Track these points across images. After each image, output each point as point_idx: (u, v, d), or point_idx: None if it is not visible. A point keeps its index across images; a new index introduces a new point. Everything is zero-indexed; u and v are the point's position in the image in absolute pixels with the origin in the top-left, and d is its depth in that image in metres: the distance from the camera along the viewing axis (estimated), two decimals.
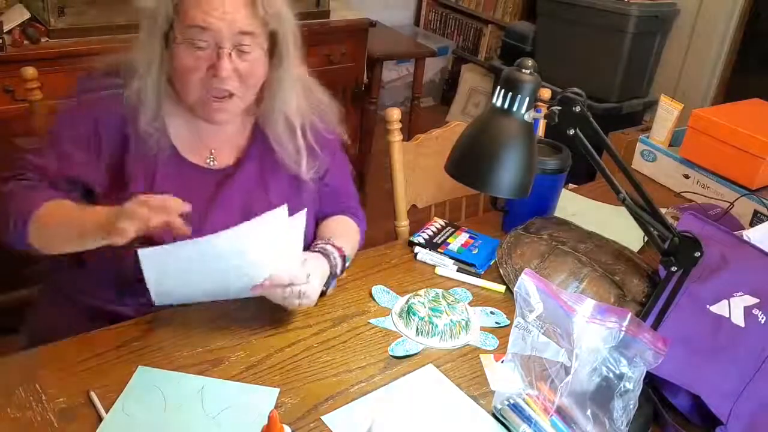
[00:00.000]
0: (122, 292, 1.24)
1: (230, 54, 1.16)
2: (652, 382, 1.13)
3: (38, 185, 1.20)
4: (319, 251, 1.27)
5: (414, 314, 1.26)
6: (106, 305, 1.25)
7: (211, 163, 1.29)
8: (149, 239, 1.08)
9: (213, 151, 1.29)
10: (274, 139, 1.30)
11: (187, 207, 1.06)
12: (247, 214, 1.19)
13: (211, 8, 1.13)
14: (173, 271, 1.12)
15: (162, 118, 1.22)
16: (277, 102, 1.27)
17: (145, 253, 1.07)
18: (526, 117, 1.03)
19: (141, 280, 1.12)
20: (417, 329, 1.25)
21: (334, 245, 1.30)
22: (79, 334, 1.16)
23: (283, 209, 1.11)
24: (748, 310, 1.17)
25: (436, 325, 1.24)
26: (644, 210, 1.09)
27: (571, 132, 1.04)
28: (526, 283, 1.03)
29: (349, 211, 1.47)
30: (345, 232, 1.40)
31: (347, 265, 1.34)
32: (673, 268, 1.09)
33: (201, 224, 1.20)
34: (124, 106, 1.20)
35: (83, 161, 1.21)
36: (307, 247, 1.30)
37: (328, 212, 1.44)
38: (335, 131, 1.40)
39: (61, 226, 1.15)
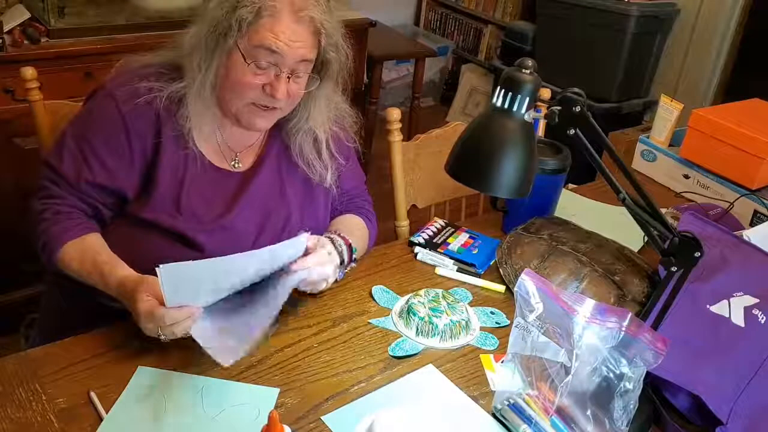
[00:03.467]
0: None
1: (288, 78, 1.19)
2: (652, 382, 1.13)
3: (62, 209, 1.21)
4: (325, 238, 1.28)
5: (414, 314, 1.26)
6: (115, 302, 1.26)
7: (236, 166, 1.31)
8: None
9: (238, 155, 1.31)
10: (295, 152, 1.33)
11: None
12: (267, 212, 1.28)
13: (281, 34, 1.16)
14: (188, 287, 1.09)
15: (193, 120, 1.24)
16: (308, 120, 1.31)
17: (166, 269, 1.04)
18: (526, 117, 1.03)
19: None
20: (417, 329, 1.25)
21: (340, 235, 1.31)
22: (84, 332, 1.16)
23: (305, 236, 1.17)
24: (748, 310, 1.17)
25: (436, 326, 1.24)
26: (644, 210, 1.09)
27: (571, 132, 1.04)
28: (526, 283, 1.03)
29: (362, 214, 1.48)
30: (353, 229, 1.40)
31: (354, 257, 1.34)
32: (673, 268, 1.09)
33: (225, 221, 1.24)
34: (160, 109, 1.21)
35: (116, 169, 1.22)
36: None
37: (340, 212, 1.45)
38: (352, 138, 1.43)
39: (84, 276, 1.18)
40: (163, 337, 1.06)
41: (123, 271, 1.13)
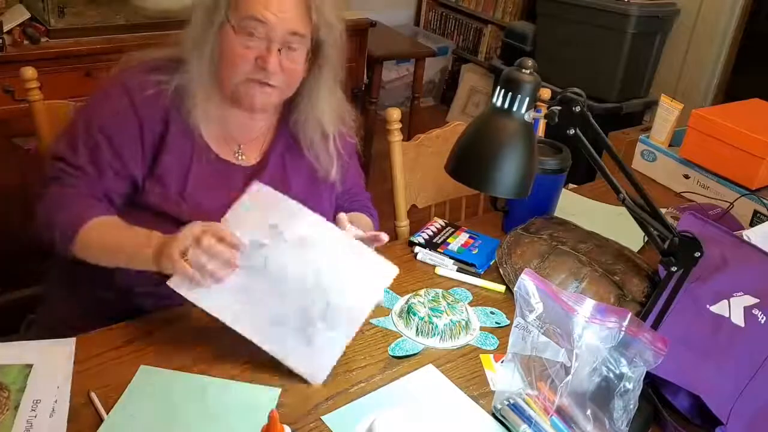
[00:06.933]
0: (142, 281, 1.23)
1: (279, 50, 1.20)
2: (652, 382, 1.13)
3: (80, 192, 1.20)
4: None
5: (414, 314, 1.26)
6: (123, 298, 1.26)
7: (240, 158, 1.32)
8: None
9: (241, 146, 1.32)
10: (306, 145, 1.33)
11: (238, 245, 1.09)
12: None
13: (270, 4, 1.17)
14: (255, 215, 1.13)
15: (199, 109, 1.24)
16: (313, 110, 1.31)
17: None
18: (526, 117, 1.03)
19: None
20: (417, 329, 1.25)
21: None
22: (85, 332, 1.16)
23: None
24: (748, 310, 1.17)
25: (436, 325, 1.24)
26: (644, 210, 1.09)
27: (571, 132, 1.04)
28: (526, 283, 1.03)
29: (365, 210, 1.49)
30: (363, 228, 1.40)
31: None
32: (673, 268, 1.09)
33: None
34: (168, 100, 1.23)
35: (129, 158, 1.22)
36: None
37: (345, 210, 1.45)
38: (353, 134, 1.44)
39: (108, 248, 1.16)
40: (182, 265, 1.05)
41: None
